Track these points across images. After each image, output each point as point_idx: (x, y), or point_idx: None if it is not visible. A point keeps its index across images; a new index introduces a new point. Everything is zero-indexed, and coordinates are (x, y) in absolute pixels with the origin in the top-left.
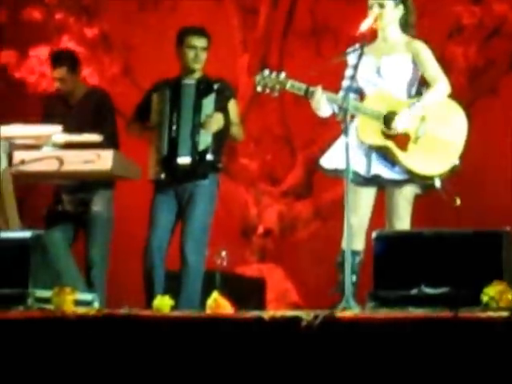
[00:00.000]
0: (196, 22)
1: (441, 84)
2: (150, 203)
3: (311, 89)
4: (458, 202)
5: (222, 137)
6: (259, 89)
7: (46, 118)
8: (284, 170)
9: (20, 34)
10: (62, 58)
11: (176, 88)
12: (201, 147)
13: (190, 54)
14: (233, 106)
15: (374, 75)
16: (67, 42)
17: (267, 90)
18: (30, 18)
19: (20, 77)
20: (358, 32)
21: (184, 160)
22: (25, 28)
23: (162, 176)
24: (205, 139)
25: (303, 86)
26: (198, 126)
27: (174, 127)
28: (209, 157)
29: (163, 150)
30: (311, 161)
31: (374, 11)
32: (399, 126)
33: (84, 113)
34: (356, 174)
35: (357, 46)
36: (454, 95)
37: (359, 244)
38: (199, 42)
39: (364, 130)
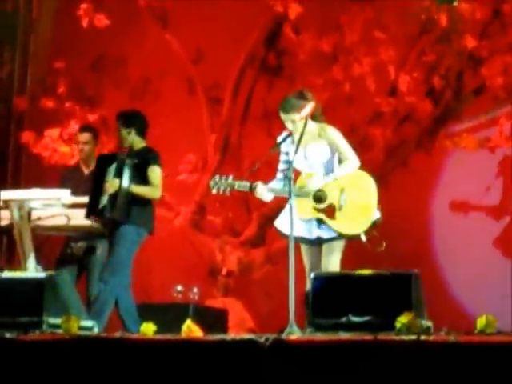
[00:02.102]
0: (173, 110)
1: (350, 161)
2: None
3: (253, 185)
4: (384, 246)
5: (119, 197)
6: (214, 191)
7: (62, 184)
8: (242, 224)
9: (37, 118)
10: (88, 128)
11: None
12: (99, 206)
13: None
14: (152, 172)
15: (303, 160)
16: (74, 125)
17: (221, 192)
18: (45, 106)
19: (37, 152)
20: (299, 117)
21: (91, 218)
22: (41, 114)
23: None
24: (103, 200)
25: (247, 184)
26: (100, 191)
27: (94, 191)
28: (107, 214)
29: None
30: (263, 218)
31: (289, 127)
32: (311, 186)
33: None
34: (302, 238)
35: (284, 134)
36: (375, 167)
37: None
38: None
39: (300, 208)
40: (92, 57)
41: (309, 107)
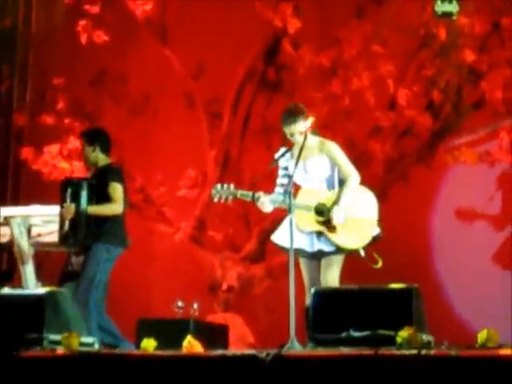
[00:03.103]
0: (173, 125)
1: (352, 177)
2: None
3: (256, 195)
4: (380, 264)
5: (77, 221)
6: (216, 200)
7: None
8: (242, 240)
9: (36, 134)
10: None
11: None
12: (63, 231)
13: None
14: (111, 188)
15: (303, 174)
16: (73, 142)
17: (222, 200)
18: (44, 122)
19: (36, 168)
20: (302, 130)
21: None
22: (40, 130)
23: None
24: (66, 225)
25: (249, 194)
26: (62, 215)
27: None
28: (70, 241)
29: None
30: (264, 233)
31: (297, 139)
32: (336, 220)
33: None
34: (302, 250)
35: (283, 150)
36: (374, 181)
37: None
38: None
39: (301, 221)
40: (91, 72)
41: (308, 119)
